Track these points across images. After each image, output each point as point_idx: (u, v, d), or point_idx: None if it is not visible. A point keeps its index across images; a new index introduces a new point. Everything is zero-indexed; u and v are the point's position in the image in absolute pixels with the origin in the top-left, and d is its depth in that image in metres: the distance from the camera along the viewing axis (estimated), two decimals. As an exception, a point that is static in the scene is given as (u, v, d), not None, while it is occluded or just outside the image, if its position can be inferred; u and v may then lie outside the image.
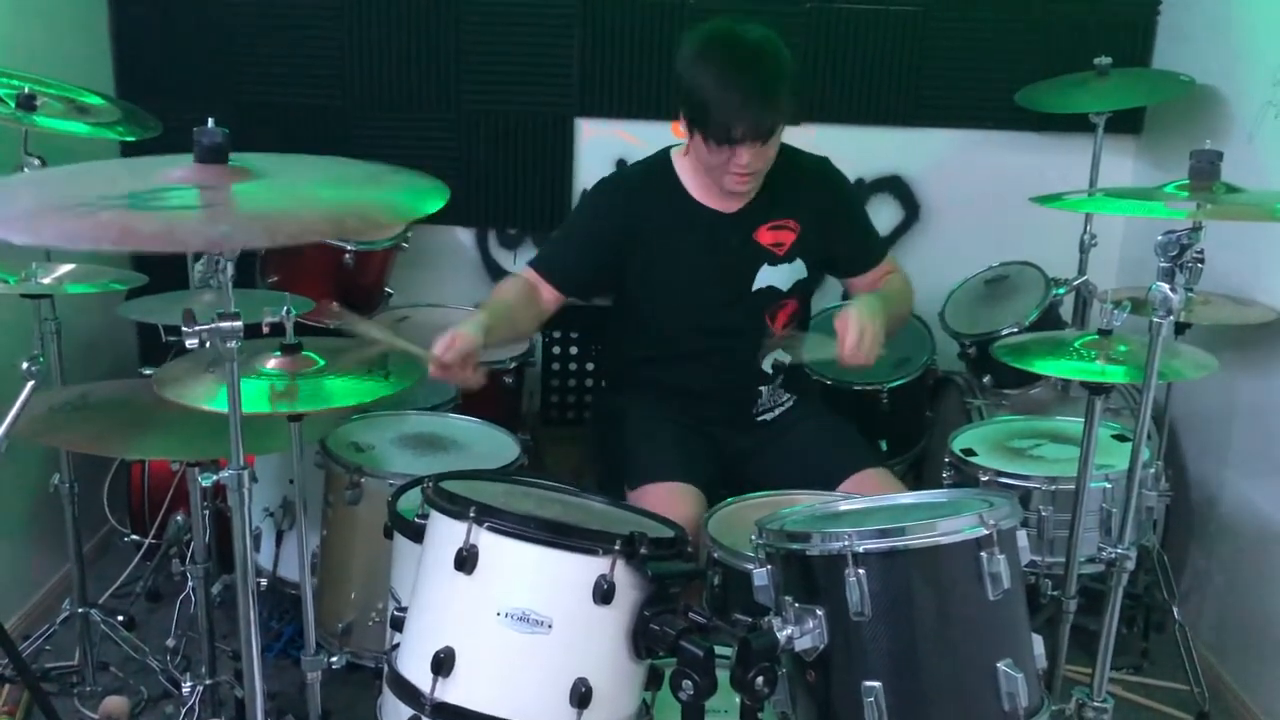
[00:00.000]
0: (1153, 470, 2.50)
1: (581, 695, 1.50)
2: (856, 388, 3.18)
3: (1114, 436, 2.62)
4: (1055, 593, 2.27)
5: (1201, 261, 1.69)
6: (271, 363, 1.84)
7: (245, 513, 1.59)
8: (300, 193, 1.49)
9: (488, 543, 1.51)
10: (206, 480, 1.61)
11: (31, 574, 3.02)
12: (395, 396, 2.65)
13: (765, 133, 2.27)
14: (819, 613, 1.54)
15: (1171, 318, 1.74)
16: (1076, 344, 2.15)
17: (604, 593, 1.50)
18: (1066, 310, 3.32)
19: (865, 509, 1.76)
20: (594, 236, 2.53)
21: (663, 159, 2.56)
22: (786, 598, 1.55)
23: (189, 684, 2.33)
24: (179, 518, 3.00)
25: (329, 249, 3.16)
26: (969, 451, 2.55)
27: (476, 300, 3.59)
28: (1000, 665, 1.53)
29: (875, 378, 3.20)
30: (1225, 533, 3.02)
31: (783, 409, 2.64)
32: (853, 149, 3.60)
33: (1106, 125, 3.33)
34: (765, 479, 2.41)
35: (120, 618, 2.90)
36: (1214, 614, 3.06)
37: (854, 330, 2.23)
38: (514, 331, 2.45)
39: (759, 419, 2.61)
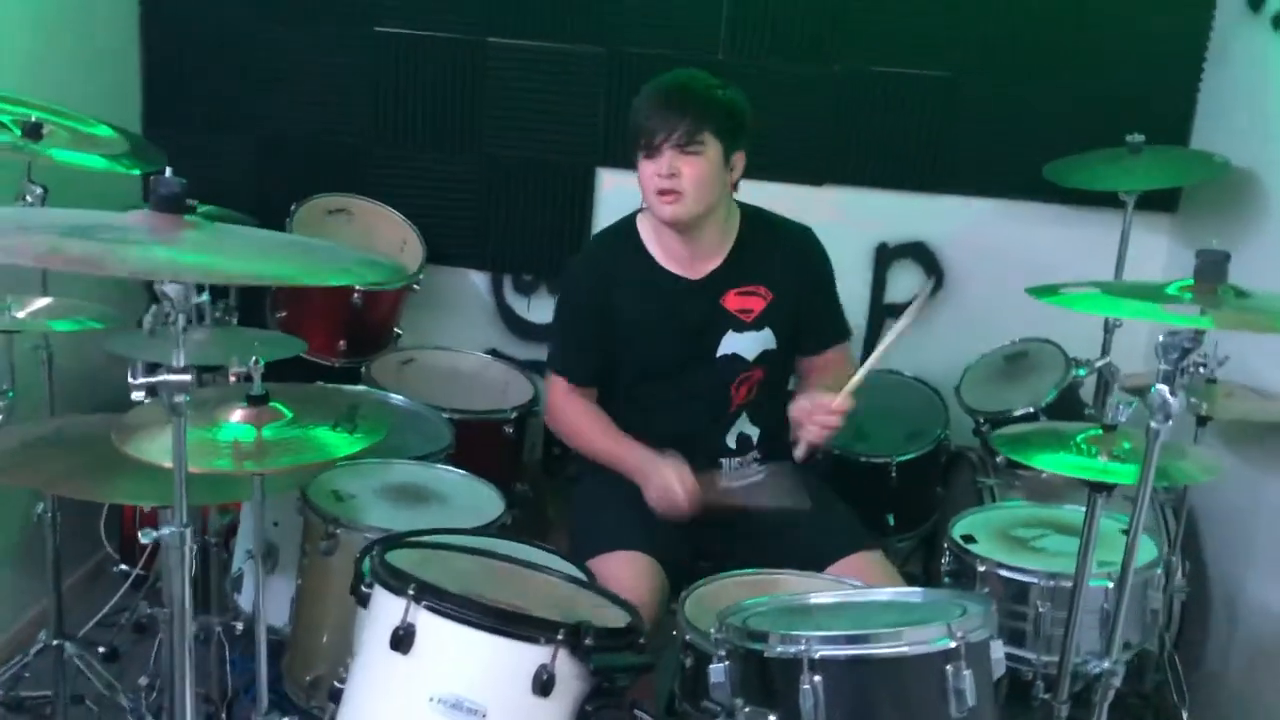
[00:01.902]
0: (1159, 571, 2.38)
1: (514, 790, 1.43)
2: (863, 459, 3.10)
3: (1123, 531, 2.50)
4: (1046, 695, 2.16)
5: (1204, 366, 1.61)
6: (237, 414, 1.79)
7: (185, 570, 1.54)
8: (235, 252, 1.42)
9: (426, 623, 1.45)
10: (147, 537, 1.56)
11: (18, 599, 2.98)
12: (384, 445, 2.67)
13: (684, 137, 2.29)
14: (771, 718, 1.46)
15: (1170, 422, 1.65)
16: (1079, 438, 2.06)
17: (544, 684, 1.43)
18: (1089, 392, 3.22)
19: (836, 604, 1.69)
20: (587, 321, 2.52)
21: (628, 224, 2.54)
22: (738, 700, 1.47)
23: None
24: (169, 551, 2.97)
25: (340, 289, 3.15)
26: (969, 538, 2.45)
27: (488, 345, 3.59)
28: (961, 787, 1.44)
29: (884, 450, 3.12)
30: (1243, 634, 2.90)
31: (754, 479, 2.53)
32: (877, 213, 3.56)
33: (1140, 202, 3.25)
34: (750, 555, 2.31)
35: (102, 649, 2.87)
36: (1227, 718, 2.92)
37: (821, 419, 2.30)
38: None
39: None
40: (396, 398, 2.98)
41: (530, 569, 1.77)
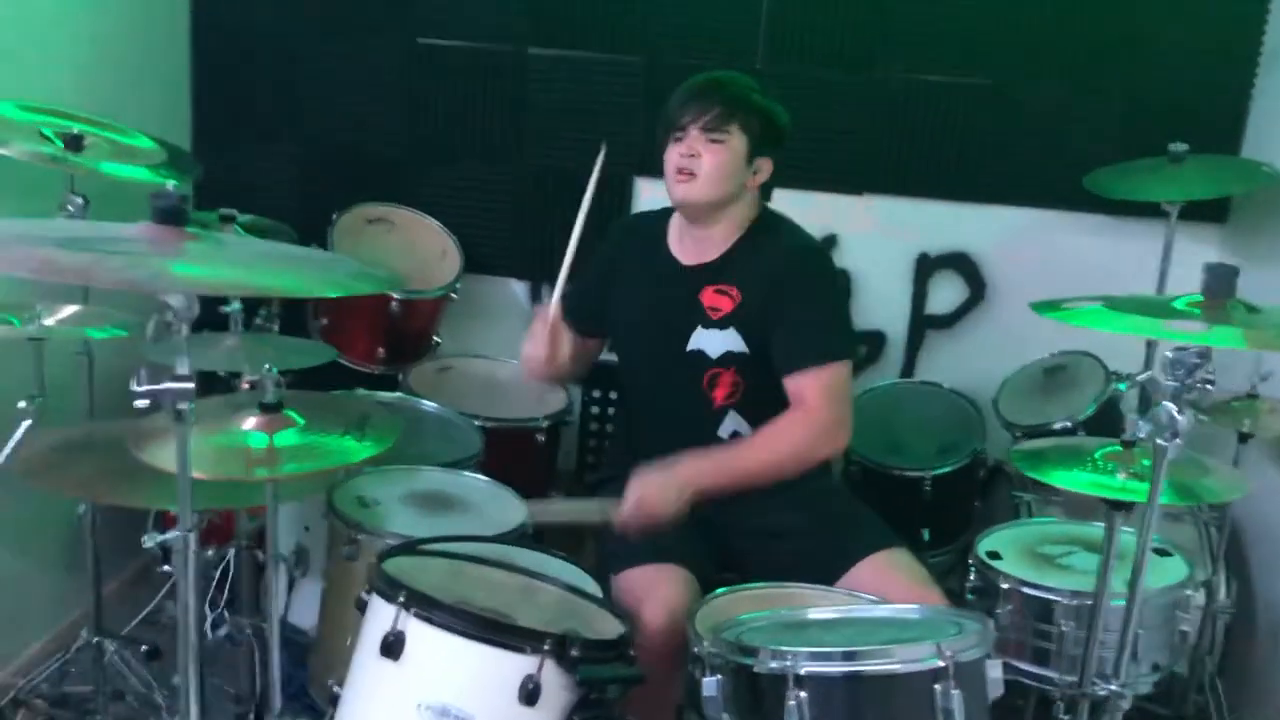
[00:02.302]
0: (1189, 592, 2.32)
1: (500, 798, 1.44)
2: (896, 473, 3.07)
3: (1154, 550, 2.45)
4: (1066, 717, 2.12)
5: (1212, 384, 1.56)
6: (251, 421, 1.82)
7: (190, 575, 1.58)
8: (227, 264, 1.45)
9: (415, 631, 1.47)
10: (151, 541, 1.60)
11: (64, 599, 3.06)
12: (412, 452, 2.70)
13: (711, 122, 2.34)
14: (757, 734, 1.45)
15: (1178, 440, 1.62)
16: (1097, 455, 2.02)
17: (530, 693, 1.44)
18: (1130, 406, 3.15)
19: (832, 620, 1.67)
20: (594, 274, 2.62)
21: (668, 211, 2.58)
22: (727, 715, 1.47)
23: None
24: (209, 552, 3.03)
25: (379, 297, 3.19)
26: (994, 554, 2.42)
27: (527, 353, 3.60)
28: (946, 809, 1.42)
29: (918, 464, 3.09)
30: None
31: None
32: (917, 223, 3.53)
33: (1187, 213, 3.19)
34: (772, 563, 2.28)
35: (145, 647, 2.94)
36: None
37: (631, 499, 2.24)
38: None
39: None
40: (429, 404, 3.01)
41: (534, 579, 1.77)
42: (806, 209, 3.49)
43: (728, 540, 2.45)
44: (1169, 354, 1.58)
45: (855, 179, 3.51)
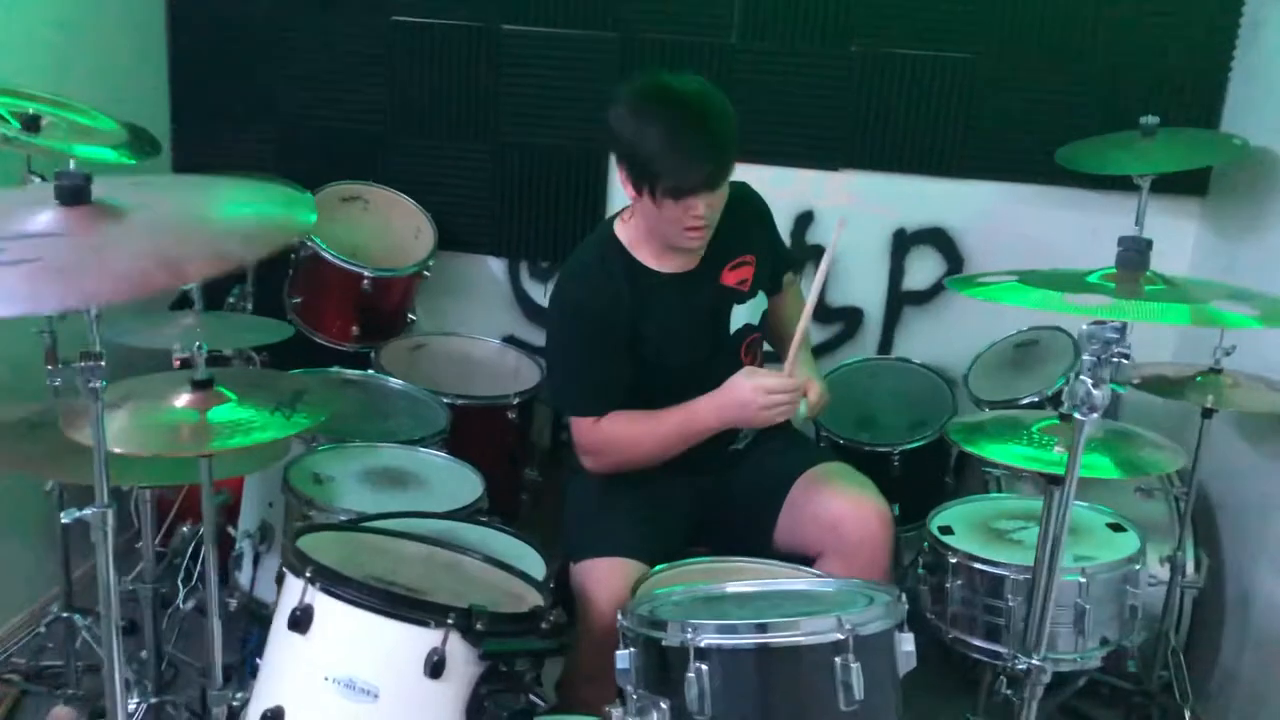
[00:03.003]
0: (1138, 567, 2.31)
1: (404, 769, 1.46)
2: (865, 448, 3.06)
3: (1108, 525, 2.45)
4: (1008, 691, 2.12)
5: (1127, 358, 1.55)
6: (183, 399, 1.84)
7: (108, 549, 1.60)
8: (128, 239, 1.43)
9: (322, 605, 1.49)
10: (69, 516, 1.62)
11: (44, 576, 3.09)
12: (375, 429, 2.72)
13: (717, 181, 2.24)
14: (663, 705, 1.46)
15: (1095, 414, 1.60)
16: (1034, 428, 2.01)
17: (434, 666, 1.46)
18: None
19: (749, 594, 1.68)
20: (602, 351, 2.38)
21: (607, 236, 2.44)
22: (628, 686, 1.48)
23: (135, 699, 2.35)
24: (185, 528, 3.06)
25: (349, 274, 3.21)
26: (946, 529, 2.41)
27: (505, 330, 3.63)
28: (849, 781, 1.43)
29: (888, 439, 3.08)
30: (1256, 631, 2.81)
31: (753, 433, 2.52)
32: (895, 198, 3.51)
33: (1167, 186, 3.16)
34: (734, 512, 2.40)
35: (122, 623, 2.96)
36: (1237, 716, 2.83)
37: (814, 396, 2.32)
38: None
39: (733, 448, 2.51)
40: (396, 382, 3.03)
41: (464, 554, 1.78)
42: (783, 185, 3.53)
43: (691, 514, 2.48)
44: (1085, 327, 1.57)
45: (832, 154, 3.48)
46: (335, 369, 3.04)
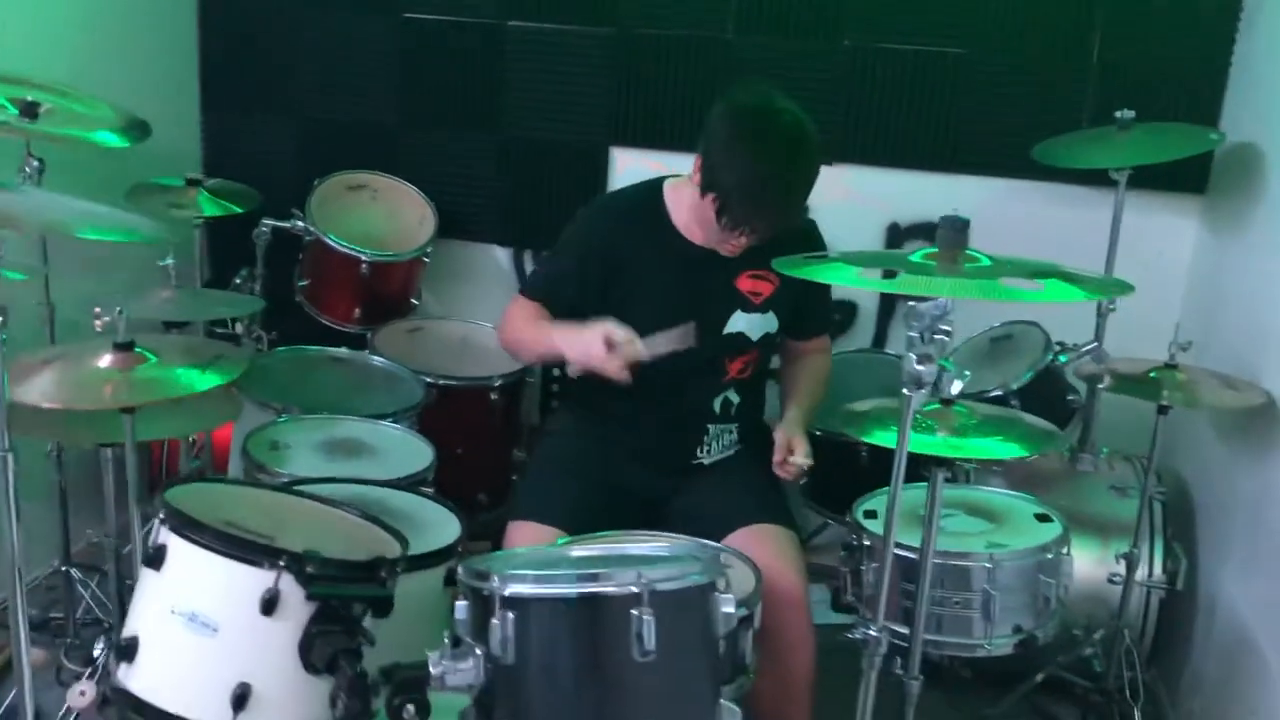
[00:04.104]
0: (1052, 556, 2.29)
1: (238, 697, 1.57)
2: (839, 438, 3.08)
3: (1036, 515, 2.45)
4: (899, 671, 2.14)
5: (948, 335, 1.58)
6: (105, 359, 2.00)
7: (11, 494, 1.75)
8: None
9: (174, 545, 1.62)
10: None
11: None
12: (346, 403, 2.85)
13: (778, 230, 2.31)
14: (478, 651, 1.55)
15: (922, 390, 1.64)
16: (918, 412, 2.03)
17: (267, 604, 1.57)
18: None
19: (589, 556, 1.75)
20: (581, 258, 2.51)
21: (654, 188, 2.53)
22: (462, 634, 1.57)
23: (100, 645, 2.52)
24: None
25: (348, 258, 3.37)
26: (871, 514, 2.44)
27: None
28: (640, 730, 1.50)
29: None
30: (1219, 633, 2.76)
31: (725, 454, 2.59)
32: (888, 193, 3.52)
33: (1166, 183, 3.17)
34: (677, 527, 2.35)
35: (128, 582, 3.16)
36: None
37: (797, 451, 2.40)
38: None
39: (695, 462, 2.56)
40: (378, 360, 3.18)
41: (348, 512, 1.89)
42: (776, 178, 3.56)
43: (646, 501, 2.52)
44: (909, 305, 1.60)
45: (825, 148, 3.49)
46: (316, 348, 3.18)
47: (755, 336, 2.53)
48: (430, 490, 2.50)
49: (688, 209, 2.45)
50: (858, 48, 3.43)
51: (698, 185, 2.31)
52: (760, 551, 2.32)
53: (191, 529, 1.60)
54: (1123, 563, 2.73)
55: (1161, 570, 2.85)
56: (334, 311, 3.48)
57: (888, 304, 3.60)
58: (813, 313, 2.65)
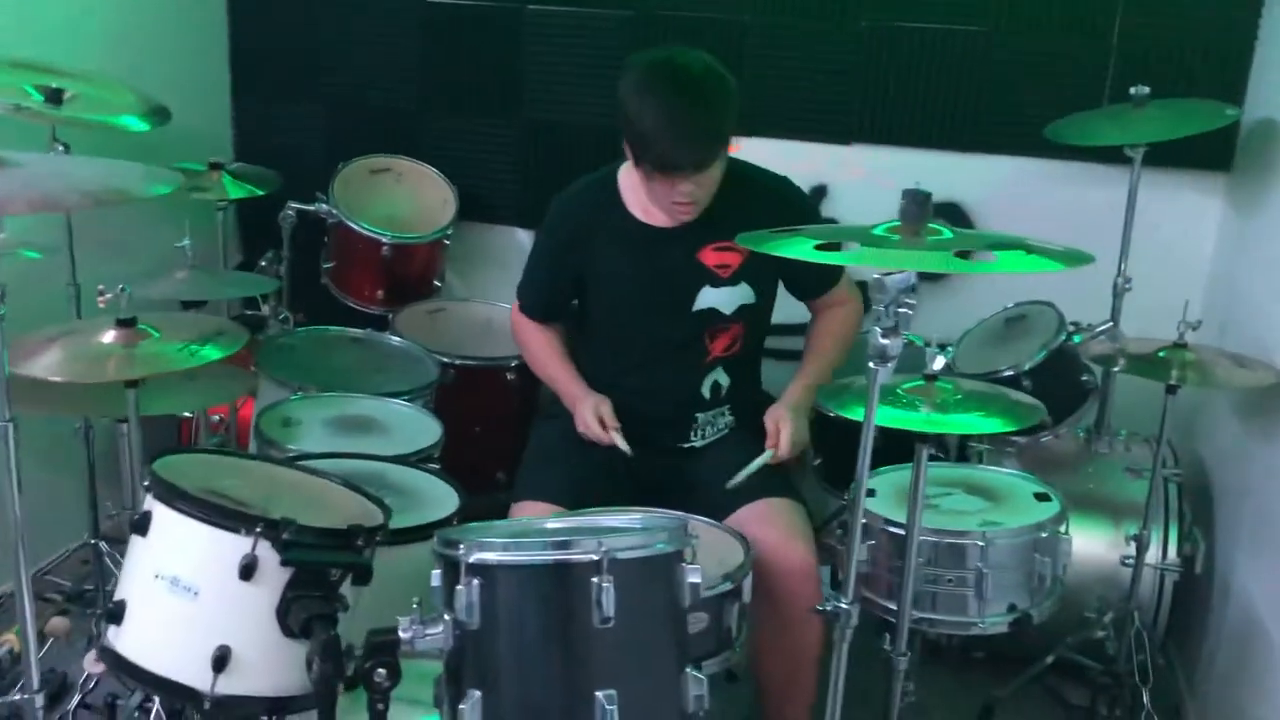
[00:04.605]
0: (1046, 534, 2.28)
1: (218, 659, 1.63)
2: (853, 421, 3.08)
3: (1035, 494, 2.44)
4: (887, 648, 2.16)
5: (911, 308, 1.59)
6: (109, 335, 2.07)
7: (12, 464, 1.82)
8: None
9: (159, 512, 1.67)
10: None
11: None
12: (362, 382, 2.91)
13: (704, 165, 2.31)
14: (446, 618, 1.59)
15: (891, 364, 1.64)
16: (900, 389, 2.04)
17: (245, 569, 1.62)
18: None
19: (563, 528, 1.79)
20: (551, 260, 2.64)
21: (608, 175, 2.59)
22: (436, 601, 1.61)
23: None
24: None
25: (369, 240, 3.43)
26: (870, 493, 2.44)
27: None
28: (599, 694, 1.53)
29: (868, 410, 3.09)
30: (1232, 618, 2.73)
31: (718, 435, 2.61)
32: (907, 173, 3.40)
33: (1192, 161, 3.14)
34: (679, 507, 2.35)
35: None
36: (1214, 709, 2.76)
37: (785, 436, 2.41)
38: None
39: (688, 445, 2.59)
40: (395, 340, 3.24)
41: (343, 485, 1.94)
42: (795, 159, 3.56)
43: (645, 484, 2.53)
44: (874, 277, 1.61)
45: (844, 129, 3.51)
46: (337, 328, 3.25)
47: (729, 310, 2.52)
48: (435, 466, 2.55)
49: (635, 187, 2.50)
50: (875, 27, 3.41)
51: (630, 158, 2.37)
52: (765, 527, 2.33)
53: (174, 497, 1.65)
54: (1133, 545, 2.70)
55: (1176, 553, 2.82)
56: (358, 293, 3.55)
57: (907, 285, 3.57)
58: (806, 269, 2.40)
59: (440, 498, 2.32)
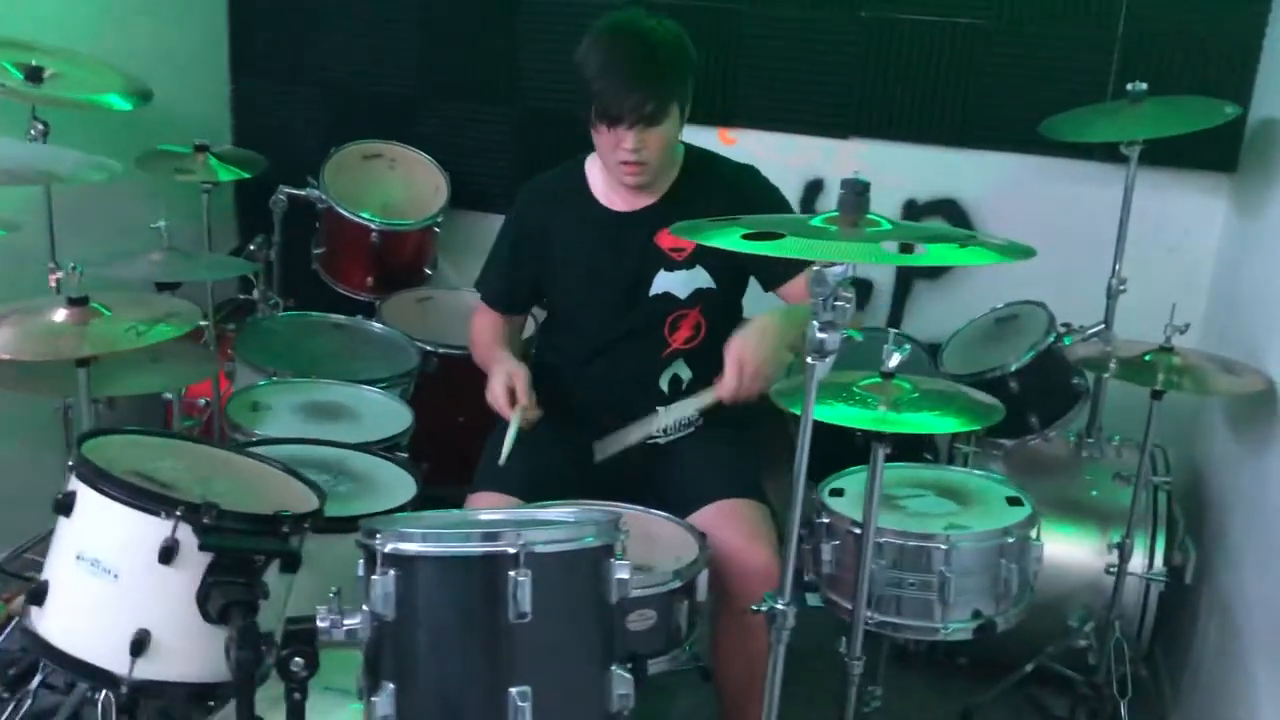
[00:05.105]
0: (1013, 540, 2.21)
1: (136, 643, 1.60)
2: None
3: (1007, 499, 2.37)
4: (842, 651, 2.10)
5: (849, 301, 1.54)
6: (60, 314, 2.05)
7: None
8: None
9: (83, 493, 1.65)
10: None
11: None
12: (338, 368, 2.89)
13: (647, 116, 2.28)
14: (365, 609, 1.55)
15: (830, 359, 1.59)
16: (856, 387, 1.99)
17: (165, 552, 1.60)
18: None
19: (494, 519, 1.75)
20: (514, 248, 2.63)
21: (576, 164, 2.60)
22: (335, 590, 1.58)
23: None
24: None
25: (358, 226, 3.41)
26: (837, 492, 2.39)
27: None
28: (512, 691, 1.49)
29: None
30: (1216, 630, 2.66)
31: (683, 433, 2.55)
32: (906, 168, 3.44)
33: (1193, 161, 3.07)
34: (647, 504, 2.34)
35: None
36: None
37: (731, 368, 2.22)
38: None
39: (650, 441, 2.51)
40: (377, 327, 3.21)
41: (273, 468, 1.92)
42: (791, 152, 3.53)
43: (612, 477, 2.47)
44: (813, 269, 1.56)
45: (842, 122, 3.45)
46: (319, 314, 3.24)
47: (684, 295, 2.47)
48: (403, 455, 2.52)
49: (600, 173, 2.50)
50: (875, 18, 3.35)
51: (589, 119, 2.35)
52: (727, 528, 2.29)
53: (97, 478, 1.63)
54: (1110, 552, 2.63)
55: (1163, 562, 2.74)
56: (348, 279, 3.53)
57: (904, 281, 3.52)
58: (764, 258, 2.47)
59: (397, 486, 2.29)
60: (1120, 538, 2.65)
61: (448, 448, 2.78)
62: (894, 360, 1.94)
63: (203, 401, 3.28)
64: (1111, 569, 2.70)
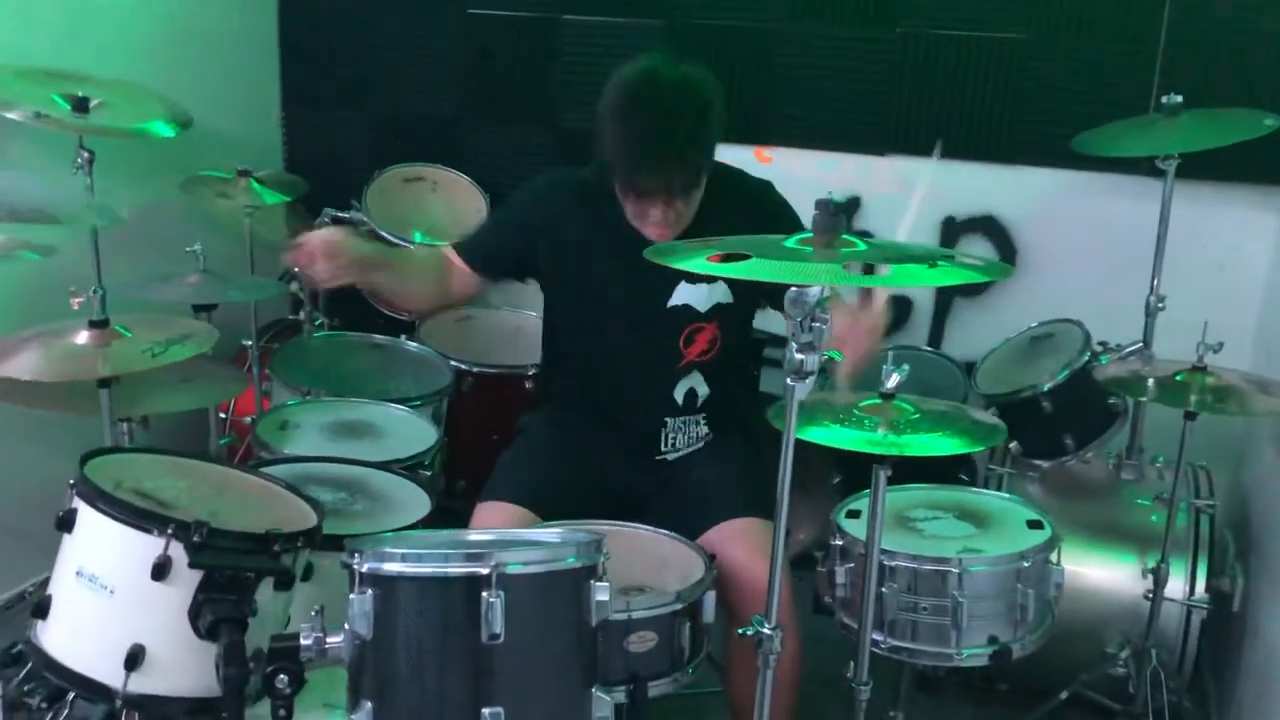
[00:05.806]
0: (1028, 564, 2.15)
1: (131, 657, 1.65)
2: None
3: (1028, 521, 2.32)
4: (848, 675, 2.07)
5: (825, 323, 1.52)
6: (82, 336, 2.12)
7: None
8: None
9: (83, 510, 1.70)
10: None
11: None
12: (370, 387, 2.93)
13: (676, 192, 2.24)
14: (345, 626, 1.58)
15: (809, 380, 1.57)
16: (857, 408, 1.97)
17: (157, 569, 1.64)
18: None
19: (483, 540, 1.76)
20: (520, 227, 2.53)
21: (605, 165, 2.44)
22: (316, 608, 1.60)
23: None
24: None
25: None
26: (854, 514, 2.36)
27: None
28: (485, 712, 1.50)
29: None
30: (1258, 660, 2.57)
31: (692, 449, 2.53)
32: (944, 185, 3.38)
33: (1244, 174, 2.98)
34: (655, 522, 2.32)
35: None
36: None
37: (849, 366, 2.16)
38: (401, 281, 2.57)
39: (659, 457, 2.51)
40: (412, 346, 3.26)
41: (277, 486, 1.96)
42: (830, 169, 3.51)
43: (620, 492, 2.48)
44: (791, 290, 1.54)
45: (877, 139, 3.43)
46: (358, 334, 3.29)
47: (703, 308, 2.43)
48: (426, 474, 2.55)
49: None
50: (911, 34, 3.32)
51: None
52: (735, 548, 2.26)
53: (95, 496, 1.67)
54: (1144, 578, 2.56)
55: (1205, 588, 2.66)
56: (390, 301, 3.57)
57: (944, 300, 3.47)
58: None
59: (413, 505, 2.31)
60: (1155, 562, 2.57)
61: (485, 466, 2.78)
62: (893, 381, 1.91)
63: (248, 420, 3.35)
64: (1149, 595, 2.62)
